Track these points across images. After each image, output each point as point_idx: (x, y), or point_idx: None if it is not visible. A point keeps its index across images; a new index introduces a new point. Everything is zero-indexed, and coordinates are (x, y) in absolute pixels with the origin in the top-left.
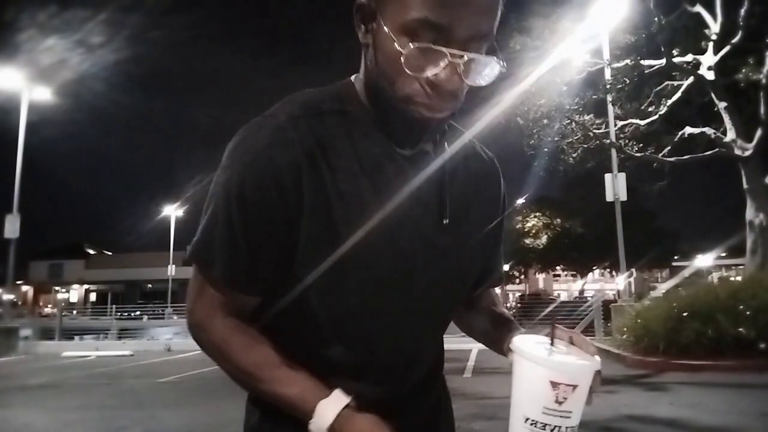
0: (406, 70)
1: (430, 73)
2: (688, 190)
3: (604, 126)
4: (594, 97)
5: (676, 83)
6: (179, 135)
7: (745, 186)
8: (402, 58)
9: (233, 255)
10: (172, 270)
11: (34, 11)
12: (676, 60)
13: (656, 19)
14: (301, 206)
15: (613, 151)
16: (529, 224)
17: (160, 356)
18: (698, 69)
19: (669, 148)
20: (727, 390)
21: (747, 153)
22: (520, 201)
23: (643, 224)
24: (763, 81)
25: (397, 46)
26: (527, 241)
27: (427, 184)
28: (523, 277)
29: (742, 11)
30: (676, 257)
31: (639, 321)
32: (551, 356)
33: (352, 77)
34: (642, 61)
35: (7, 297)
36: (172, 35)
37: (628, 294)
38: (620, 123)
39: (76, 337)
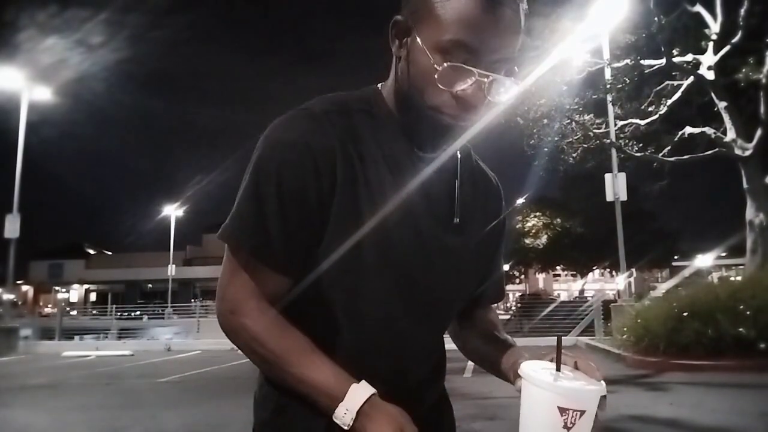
0: (439, 85)
1: (458, 88)
2: (688, 190)
3: (604, 126)
4: (594, 97)
5: (676, 83)
6: (179, 135)
7: (745, 186)
8: (436, 75)
9: (267, 229)
10: (172, 270)
11: (34, 11)
12: (676, 60)
13: (656, 18)
14: (333, 189)
15: (613, 151)
16: (529, 224)
17: (160, 356)
18: (698, 69)
19: (669, 148)
20: (727, 390)
21: (747, 153)
22: (520, 201)
23: (643, 224)
24: (763, 81)
25: (432, 62)
26: (527, 241)
27: (441, 185)
28: (523, 277)
29: (742, 11)
30: (676, 257)
31: (639, 321)
32: (559, 381)
33: (379, 85)
34: (642, 61)
35: (7, 297)
36: (172, 35)
37: (628, 294)
38: (620, 123)
39: (76, 337)
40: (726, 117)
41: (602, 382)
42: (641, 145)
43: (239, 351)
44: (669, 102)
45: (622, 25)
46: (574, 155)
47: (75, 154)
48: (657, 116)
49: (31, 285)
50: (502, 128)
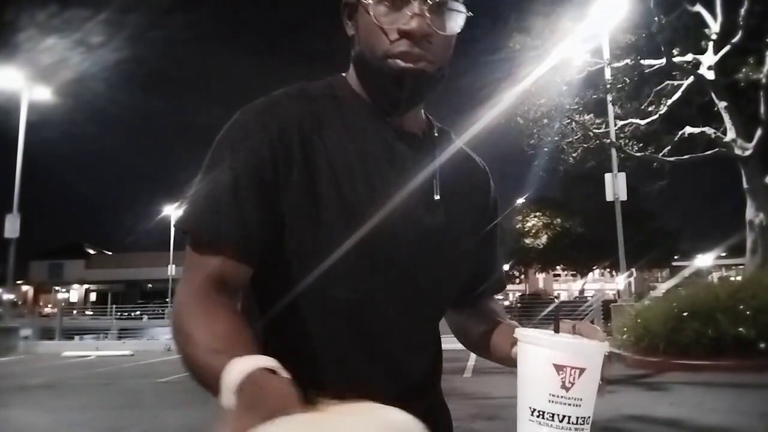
0: (382, 25)
1: (401, 23)
2: (688, 190)
3: (604, 126)
4: (594, 96)
5: (676, 83)
6: (179, 134)
7: (745, 186)
8: (372, 12)
9: (222, 209)
10: (172, 270)
11: (34, 11)
12: (676, 59)
13: (656, 18)
14: (292, 165)
15: (613, 151)
16: (529, 224)
17: (160, 356)
18: (698, 68)
19: (669, 147)
20: (727, 390)
21: (747, 152)
22: (520, 201)
23: (643, 224)
24: (763, 80)
25: (370, 8)
26: (527, 241)
27: (418, 161)
28: (523, 276)
29: (742, 11)
30: (676, 257)
31: (639, 321)
32: (554, 337)
33: (343, 74)
34: (642, 61)
35: (8, 297)
36: (172, 35)
37: (628, 294)
38: (620, 123)
39: (76, 337)
40: (726, 117)
41: (606, 342)
42: (641, 145)
43: None
44: (669, 102)
45: (622, 25)
46: (574, 155)
47: (75, 154)
48: (657, 116)
49: (31, 285)
50: (502, 128)
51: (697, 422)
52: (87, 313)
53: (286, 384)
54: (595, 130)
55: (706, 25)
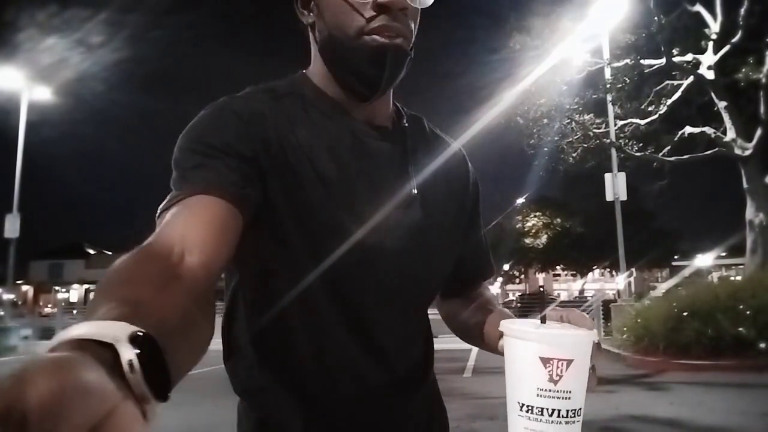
0: (353, 2)
1: None
2: (688, 190)
3: (604, 125)
4: (594, 96)
5: (676, 83)
6: (180, 135)
7: (745, 185)
8: None
9: (206, 165)
10: None
11: (34, 11)
12: (676, 59)
13: (656, 18)
14: (267, 154)
15: (613, 151)
16: (529, 224)
17: None
18: (698, 68)
19: (669, 147)
20: (727, 390)
21: (747, 152)
22: (520, 201)
23: (643, 224)
24: (763, 80)
25: None
26: (527, 240)
27: (390, 158)
28: (523, 276)
29: (742, 11)
30: (676, 257)
31: (639, 321)
32: (539, 330)
33: (304, 71)
34: (642, 61)
35: (8, 297)
36: (172, 35)
37: (628, 294)
38: (620, 122)
39: None
40: (726, 117)
41: (593, 330)
42: (641, 144)
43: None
44: (669, 102)
45: (622, 25)
46: (574, 155)
47: (75, 154)
48: (657, 116)
49: (31, 285)
50: (502, 128)
51: (697, 422)
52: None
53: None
54: (595, 130)
55: (706, 25)
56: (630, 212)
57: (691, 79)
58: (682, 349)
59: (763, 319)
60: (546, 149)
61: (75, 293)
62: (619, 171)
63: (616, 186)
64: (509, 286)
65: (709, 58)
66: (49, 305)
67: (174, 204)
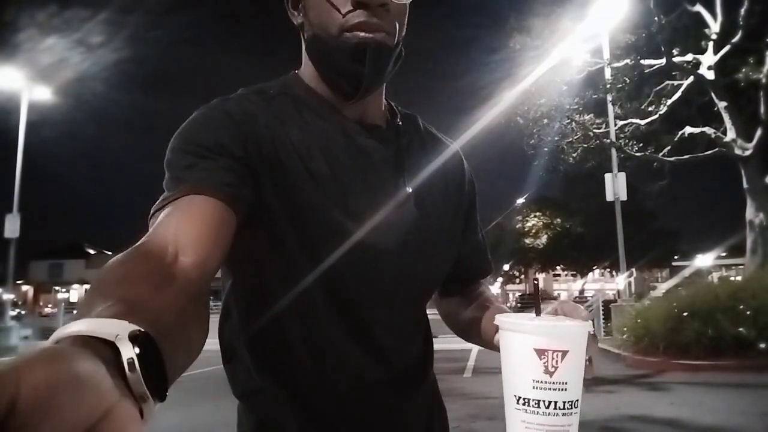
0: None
1: None
2: (688, 190)
3: (604, 125)
4: (594, 96)
5: (676, 83)
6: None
7: (745, 186)
8: None
9: (198, 166)
10: None
11: (34, 11)
12: (676, 59)
13: (656, 18)
14: (260, 155)
15: (613, 151)
16: (529, 224)
17: None
18: (698, 68)
19: (669, 147)
20: (727, 390)
21: (747, 152)
22: (520, 201)
23: (643, 224)
24: (763, 80)
25: None
26: (527, 241)
27: (384, 157)
28: (523, 276)
29: (742, 11)
30: (676, 257)
31: (639, 321)
32: (533, 322)
33: (296, 71)
34: (642, 61)
35: (8, 296)
36: (172, 35)
37: (628, 294)
38: (620, 122)
39: None
40: (726, 117)
41: (589, 321)
42: (641, 145)
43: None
44: (669, 102)
45: (622, 25)
46: (574, 155)
47: (75, 154)
48: (657, 116)
49: (31, 285)
50: (502, 128)
51: (697, 422)
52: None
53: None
54: (595, 130)
55: (706, 25)
56: (630, 212)
57: (691, 79)
58: (682, 349)
59: (763, 319)
60: (546, 149)
61: (75, 293)
62: (619, 171)
63: (616, 186)
64: (509, 286)
65: (709, 58)
66: (50, 305)
67: (167, 204)
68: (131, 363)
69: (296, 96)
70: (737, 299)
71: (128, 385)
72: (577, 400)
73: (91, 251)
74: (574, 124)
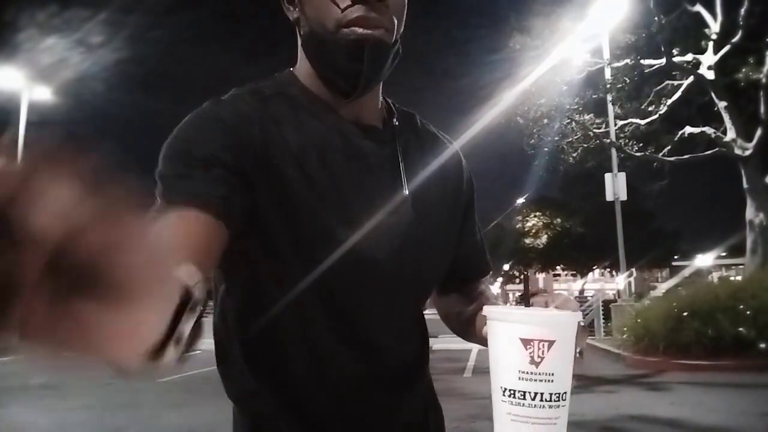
0: None
1: None
2: (688, 190)
3: (604, 125)
4: (594, 96)
5: (676, 83)
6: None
7: (745, 185)
8: None
9: (191, 175)
10: None
11: (34, 11)
12: (676, 59)
13: (656, 18)
14: (254, 157)
15: (613, 151)
16: (529, 224)
17: None
18: (698, 68)
19: (669, 147)
20: (727, 390)
21: (747, 152)
22: (520, 201)
23: (643, 224)
24: (763, 80)
25: None
26: (527, 241)
27: (381, 158)
28: (523, 276)
29: (742, 11)
30: (676, 257)
31: (639, 321)
32: (520, 311)
33: (292, 68)
34: (642, 61)
35: None
36: (172, 35)
37: (628, 294)
38: (620, 122)
39: None
40: (726, 117)
41: (578, 312)
42: (641, 144)
43: None
44: (669, 102)
45: (622, 25)
46: (574, 155)
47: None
48: (657, 116)
49: None
50: (502, 128)
51: (697, 422)
52: None
53: None
54: (595, 130)
55: (706, 25)
56: (630, 212)
57: (691, 79)
58: (682, 349)
59: (763, 319)
60: (546, 149)
61: None
62: (619, 171)
63: (616, 186)
64: (509, 286)
65: (709, 58)
66: None
67: (158, 217)
68: (193, 307)
69: (292, 96)
70: (737, 299)
71: (176, 322)
72: (566, 393)
73: None
74: (574, 124)
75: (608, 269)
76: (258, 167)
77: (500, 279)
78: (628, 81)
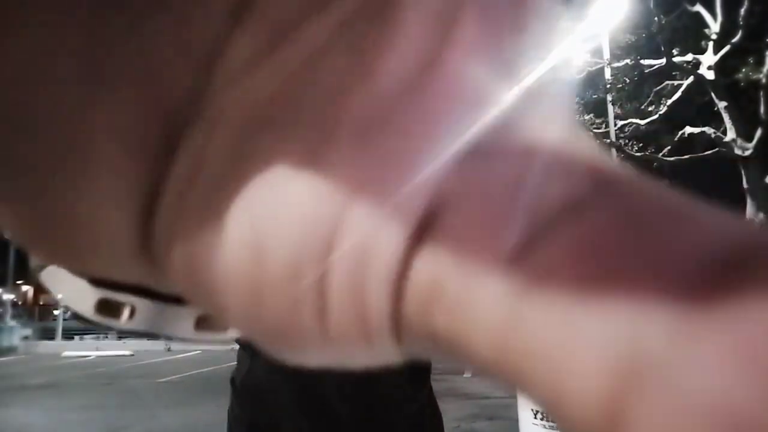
0: None
1: None
2: (688, 190)
3: (604, 125)
4: (594, 96)
5: (676, 83)
6: None
7: (745, 186)
8: None
9: None
10: None
11: None
12: (676, 59)
13: (656, 18)
14: None
15: (613, 151)
16: None
17: (160, 356)
18: (698, 68)
19: (669, 147)
20: None
21: (747, 152)
22: None
23: None
24: (763, 80)
25: None
26: None
27: None
28: None
29: (742, 11)
30: None
31: None
32: None
33: None
34: (642, 61)
35: (8, 297)
36: None
37: None
38: (620, 123)
39: (76, 337)
40: (726, 117)
41: None
42: (641, 145)
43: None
44: (669, 102)
45: (622, 25)
46: None
47: None
48: (657, 116)
49: (31, 285)
50: None
51: None
52: None
53: None
54: (595, 130)
55: (706, 25)
56: None
57: (691, 79)
58: None
59: None
60: None
61: None
62: None
63: None
64: None
65: (709, 58)
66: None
67: None
68: None
69: None
70: None
71: None
72: None
73: None
74: None
75: None
76: None
77: None
78: (628, 81)
